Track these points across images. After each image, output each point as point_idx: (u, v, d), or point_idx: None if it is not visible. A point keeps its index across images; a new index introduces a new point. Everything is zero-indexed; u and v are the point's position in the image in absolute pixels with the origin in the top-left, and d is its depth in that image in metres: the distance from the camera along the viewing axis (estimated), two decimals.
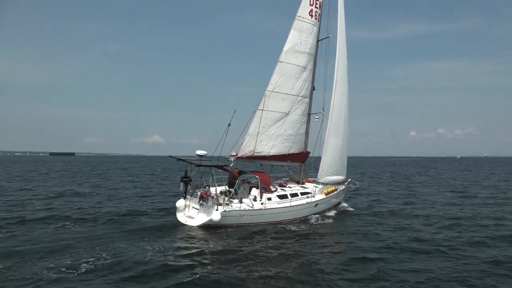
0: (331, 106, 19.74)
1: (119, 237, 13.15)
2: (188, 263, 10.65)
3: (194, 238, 13.58)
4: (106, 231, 14.14)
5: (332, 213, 18.97)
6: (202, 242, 13.05)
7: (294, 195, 17.48)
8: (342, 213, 19.30)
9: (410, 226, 15.46)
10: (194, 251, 11.87)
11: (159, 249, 11.86)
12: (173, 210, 17.58)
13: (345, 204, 21.34)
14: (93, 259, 10.72)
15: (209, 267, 10.32)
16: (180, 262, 10.74)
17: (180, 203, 16.41)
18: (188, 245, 12.61)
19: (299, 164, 20.71)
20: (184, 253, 11.64)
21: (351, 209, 20.37)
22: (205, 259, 11.08)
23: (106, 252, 11.35)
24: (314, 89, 20.13)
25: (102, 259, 10.70)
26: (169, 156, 17.12)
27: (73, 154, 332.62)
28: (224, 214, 14.73)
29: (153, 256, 11.13)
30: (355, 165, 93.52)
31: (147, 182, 38.70)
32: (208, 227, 14.85)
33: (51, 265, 10.21)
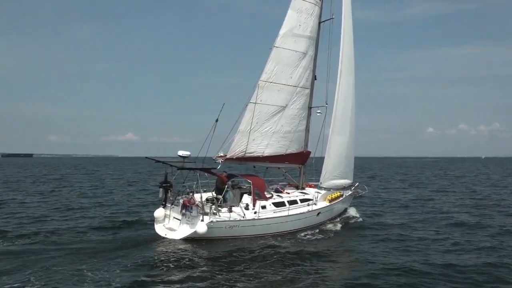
0: (335, 99, 19.76)
1: (74, 259, 12.66)
2: (167, 283, 10.52)
3: (175, 253, 13.45)
4: (47, 251, 13.57)
5: (337, 223, 19.00)
6: (184, 258, 12.90)
7: (292, 202, 17.48)
8: (349, 224, 19.33)
9: (425, 246, 15.24)
10: (174, 269, 11.75)
11: (131, 267, 11.73)
12: (150, 222, 17.45)
13: (352, 212, 21.42)
14: None
15: None
16: (157, 282, 10.62)
17: (159, 212, 16.25)
18: (167, 262, 12.47)
19: (299, 166, 20.70)
20: (162, 271, 11.52)
21: (359, 218, 20.44)
22: (188, 278, 10.96)
23: (42, 279, 10.69)
24: (315, 79, 20.17)
25: None
26: (146, 157, 16.97)
27: (30, 155, 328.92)
28: (210, 226, 14.63)
29: (122, 275, 11.01)
30: (363, 167, 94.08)
31: (113, 187, 38.41)
32: (192, 240, 14.72)
33: None
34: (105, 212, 22.28)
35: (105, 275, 11.13)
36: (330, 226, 18.38)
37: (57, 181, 46.05)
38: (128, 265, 12.01)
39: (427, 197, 30.77)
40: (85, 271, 11.44)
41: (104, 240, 15.21)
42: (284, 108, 19.10)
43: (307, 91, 19.99)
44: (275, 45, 18.43)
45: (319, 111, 20.16)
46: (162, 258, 12.89)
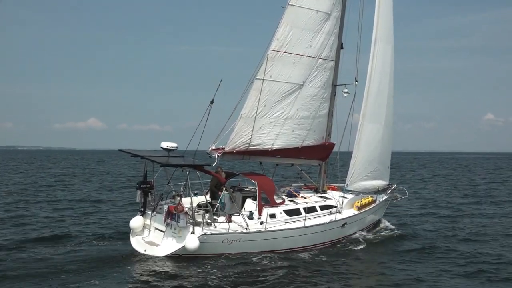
0: (368, 75, 19.75)
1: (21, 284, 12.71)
2: None
3: (156, 275, 13.46)
4: None
5: (368, 238, 19.01)
6: (169, 282, 12.90)
7: (310, 209, 17.51)
8: (385, 240, 19.32)
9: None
10: None
11: None
12: (124, 234, 17.50)
13: (388, 224, 21.43)
14: None
15: None
16: None
17: (137, 222, 16.29)
18: (147, 287, 12.46)
19: (318, 162, 20.70)
20: None
21: (398, 231, 20.42)
22: None
23: None
24: (342, 48, 20.12)
25: None
26: (120, 150, 16.96)
27: None
28: (203, 240, 14.64)
29: None
30: (399, 165, 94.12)
31: (74, 188, 38.44)
32: (178, 258, 14.77)
33: None
34: (64, 221, 22.35)
35: None
36: (358, 241, 18.36)
37: None
38: None
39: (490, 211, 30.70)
40: None
41: (60, 258, 15.19)
42: (300, 86, 19.02)
43: (331, 63, 19.90)
44: (290, 3, 18.31)
45: (346, 90, 20.09)
46: (140, 282, 12.91)
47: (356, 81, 20.08)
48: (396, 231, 20.47)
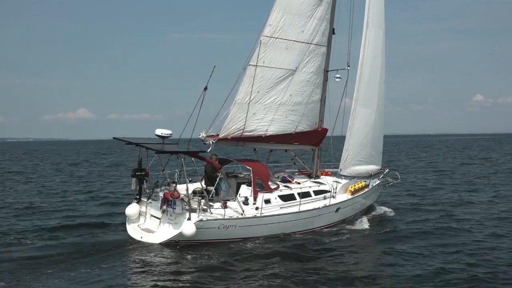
0: (360, 59, 19.74)
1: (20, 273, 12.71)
2: None
3: (153, 262, 13.52)
4: None
5: (361, 222, 19.13)
6: (166, 268, 13.00)
7: (304, 194, 17.59)
8: (378, 223, 19.46)
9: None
10: (153, 282, 11.83)
11: (97, 280, 11.86)
12: (120, 221, 17.50)
13: (380, 207, 21.64)
14: None
15: None
16: None
17: (132, 209, 16.30)
18: (144, 274, 12.55)
19: (312, 148, 20.76)
20: (138, 285, 11.56)
21: (390, 215, 20.62)
22: None
23: None
24: (333, 33, 20.07)
25: None
26: (114, 138, 16.89)
27: None
28: (200, 226, 14.68)
29: None
30: (390, 149, 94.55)
31: (69, 177, 38.41)
32: (175, 245, 14.82)
33: None
34: (58, 210, 22.31)
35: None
36: (351, 226, 18.51)
37: None
38: (93, 278, 12.08)
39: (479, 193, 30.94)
40: (37, 282, 11.66)
41: (55, 248, 15.15)
42: (293, 72, 18.98)
43: (323, 49, 19.86)
44: None
45: (338, 75, 20.13)
46: (137, 269, 12.99)
47: (349, 66, 20.08)
48: (389, 215, 20.68)
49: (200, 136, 17.74)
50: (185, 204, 14.92)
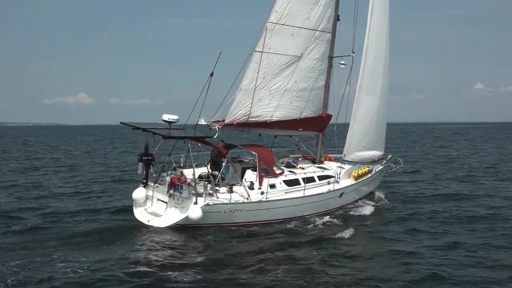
0: (365, 46, 19.67)
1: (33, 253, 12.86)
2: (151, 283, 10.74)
3: (160, 245, 13.65)
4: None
5: (364, 207, 19.24)
6: (173, 251, 13.10)
7: (309, 179, 17.64)
8: (381, 208, 19.62)
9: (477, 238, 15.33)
10: (160, 266, 11.95)
11: (105, 262, 12.00)
12: (127, 205, 17.59)
13: (382, 193, 21.78)
14: None
15: None
16: (137, 281, 10.84)
17: (139, 193, 16.37)
18: (151, 257, 12.66)
19: (316, 133, 20.81)
20: (144, 268, 11.70)
21: (391, 199, 20.75)
22: (178, 277, 11.17)
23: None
24: (338, 20, 20.02)
25: None
26: (121, 123, 16.90)
27: None
28: (206, 210, 14.77)
29: (94, 272, 11.28)
30: (392, 136, 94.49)
31: (76, 161, 38.47)
32: (181, 229, 14.93)
33: None
34: (65, 195, 22.44)
35: (73, 272, 11.36)
36: (355, 210, 18.63)
37: None
38: (101, 260, 12.19)
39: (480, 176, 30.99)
40: (45, 265, 11.77)
41: (63, 232, 15.24)
42: (298, 58, 18.97)
43: (328, 36, 19.83)
44: None
45: (343, 62, 20.12)
46: (144, 252, 13.10)
47: (353, 53, 20.04)
48: (391, 200, 20.79)
49: (199, 122, 17.77)
50: (192, 188, 15.00)
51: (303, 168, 18.77)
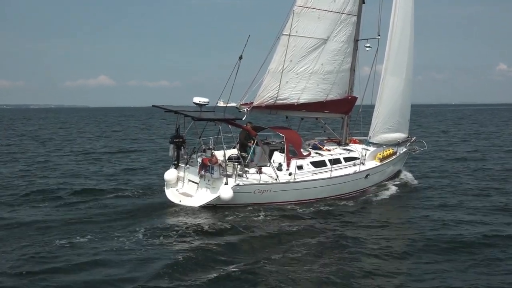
0: (390, 28, 19.56)
1: (67, 230, 13.28)
2: (184, 260, 10.97)
3: (192, 223, 13.91)
4: (37, 219, 14.35)
5: (389, 188, 19.31)
6: (204, 229, 13.38)
7: (335, 161, 17.72)
8: (405, 189, 19.62)
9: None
10: (191, 244, 12.21)
11: (139, 240, 12.32)
12: (159, 185, 17.90)
13: (407, 174, 21.70)
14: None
15: (220, 267, 10.78)
16: (172, 259, 11.08)
17: (171, 174, 16.62)
18: (183, 235, 12.92)
19: (341, 116, 20.78)
20: (177, 247, 11.98)
21: (415, 181, 20.72)
22: (210, 255, 11.42)
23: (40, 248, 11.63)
24: (364, 2, 19.89)
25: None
26: (154, 106, 17.13)
27: None
28: (237, 190, 14.98)
29: (128, 249, 11.64)
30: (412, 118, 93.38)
31: (109, 143, 39.04)
32: (211, 208, 15.17)
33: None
34: (100, 175, 22.91)
35: (105, 249, 11.72)
36: (380, 191, 18.71)
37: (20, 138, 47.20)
38: (135, 238, 12.51)
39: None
40: (83, 243, 12.18)
41: (101, 208, 15.74)
42: (325, 41, 18.86)
43: (354, 18, 19.65)
44: None
45: (368, 44, 19.99)
46: (176, 230, 13.34)
47: (379, 35, 19.90)
48: (415, 182, 20.74)
49: (218, 104, 17.90)
50: (223, 169, 15.20)
51: (329, 150, 18.83)
